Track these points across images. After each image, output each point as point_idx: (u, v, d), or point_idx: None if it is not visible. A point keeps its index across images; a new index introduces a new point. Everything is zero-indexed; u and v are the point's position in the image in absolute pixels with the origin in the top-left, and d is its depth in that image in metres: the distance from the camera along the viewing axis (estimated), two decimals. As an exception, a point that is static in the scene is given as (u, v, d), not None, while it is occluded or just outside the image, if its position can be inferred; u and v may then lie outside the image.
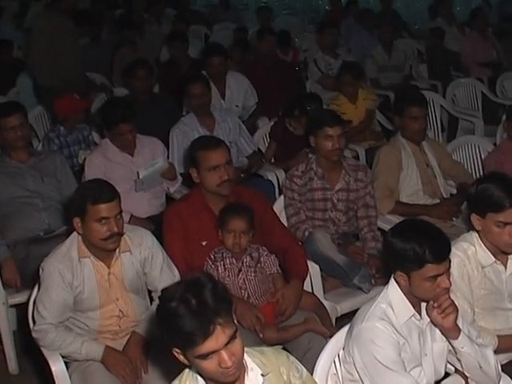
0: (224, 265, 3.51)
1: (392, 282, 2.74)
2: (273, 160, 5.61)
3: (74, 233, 3.19)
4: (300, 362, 2.49)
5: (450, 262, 2.65)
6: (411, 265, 2.61)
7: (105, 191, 3.06)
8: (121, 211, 3.12)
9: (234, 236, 3.51)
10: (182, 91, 5.66)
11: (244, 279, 3.50)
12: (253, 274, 3.51)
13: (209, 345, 2.05)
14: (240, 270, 3.50)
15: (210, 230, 3.60)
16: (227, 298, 2.14)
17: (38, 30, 6.35)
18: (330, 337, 2.98)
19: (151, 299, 3.45)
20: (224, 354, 2.08)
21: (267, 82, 6.54)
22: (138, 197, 4.58)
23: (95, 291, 3.19)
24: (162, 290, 2.15)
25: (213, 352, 2.06)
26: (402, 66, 7.90)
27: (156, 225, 4.33)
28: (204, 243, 3.60)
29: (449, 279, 2.66)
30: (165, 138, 5.19)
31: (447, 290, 2.68)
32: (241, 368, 2.19)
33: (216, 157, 3.57)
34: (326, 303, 3.77)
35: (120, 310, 3.25)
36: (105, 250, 3.14)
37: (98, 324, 3.24)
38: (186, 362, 2.16)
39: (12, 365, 4.24)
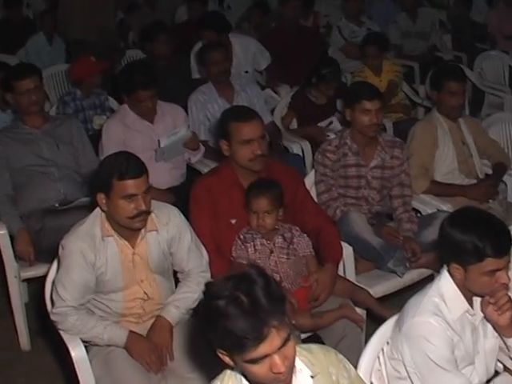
0: (254, 246, 3.28)
1: (445, 274, 2.52)
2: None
3: (97, 209, 2.95)
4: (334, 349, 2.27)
5: (510, 256, 2.43)
6: (469, 258, 2.40)
7: (132, 166, 2.81)
8: (149, 187, 2.87)
9: (257, 217, 3.28)
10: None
11: (276, 261, 3.27)
12: (285, 257, 3.28)
13: (262, 349, 1.82)
14: (272, 252, 3.27)
15: (240, 207, 3.36)
16: (281, 296, 1.90)
17: None
18: (381, 319, 2.79)
19: (176, 281, 3.23)
20: (277, 359, 1.84)
21: (290, 50, 6.26)
22: (158, 167, 4.34)
23: (119, 272, 2.96)
24: (207, 285, 1.91)
25: (265, 356, 1.84)
26: (427, 34, 7.59)
27: (176, 196, 4.13)
28: (233, 221, 3.37)
29: (507, 274, 2.45)
30: (185, 104, 4.95)
31: (505, 286, 2.47)
32: (292, 371, 1.97)
33: (249, 130, 3.31)
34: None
35: (144, 293, 3.02)
36: (131, 229, 2.91)
37: (121, 306, 3.02)
38: (231, 363, 1.94)
39: (24, 341, 4.06)
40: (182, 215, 3.10)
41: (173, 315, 3.03)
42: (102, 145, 4.34)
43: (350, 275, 3.64)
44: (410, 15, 7.60)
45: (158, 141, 4.28)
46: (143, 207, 2.82)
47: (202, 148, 4.58)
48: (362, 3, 6.94)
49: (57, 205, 4.01)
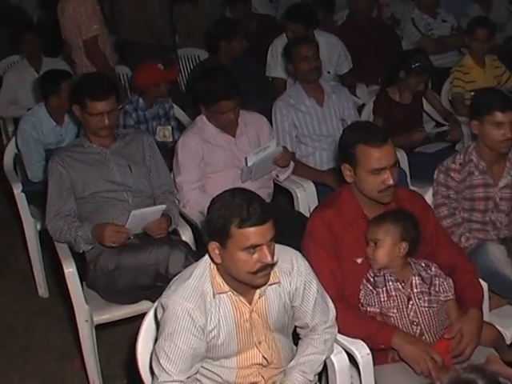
0: (387, 291, 2.70)
1: None
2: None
3: (205, 260, 2.39)
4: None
5: None
6: None
7: (256, 209, 2.21)
8: (274, 235, 2.30)
9: (369, 247, 2.77)
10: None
11: (416, 311, 2.68)
12: (426, 304, 2.69)
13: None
14: (409, 299, 2.69)
15: (363, 244, 2.79)
16: None
17: None
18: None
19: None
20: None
21: (364, 45, 5.67)
22: (245, 186, 3.77)
23: (233, 334, 2.38)
24: None
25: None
26: (503, 24, 6.94)
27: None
28: (359, 261, 2.79)
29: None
30: (257, 110, 4.37)
31: None
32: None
33: (382, 157, 2.70)
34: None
35: (263, 357, 2.45)
36: (251, 285, 2.35)
37: (235, 375, 2.44)
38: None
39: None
40: (306, 261, 2.52)
41: None
42: (179, 163, 3.78)
43: (484, 315, 3.06)
44: (483, 6, 6.96)
45: (245, 159, 3.71)
46: (268, 259, 2.25)
47: (292, 164, 3.99)
48: None
49: (132, 237, 3.45)
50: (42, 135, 4.48)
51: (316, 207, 2.98)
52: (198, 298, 2.32)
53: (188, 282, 2.34)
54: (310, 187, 3.99)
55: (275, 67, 5.40)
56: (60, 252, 3.45)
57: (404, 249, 2.75)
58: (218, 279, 2.35)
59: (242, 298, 2.38)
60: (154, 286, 3.21)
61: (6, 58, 6.75)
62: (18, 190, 4.31)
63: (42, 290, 4.49)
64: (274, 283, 2.40)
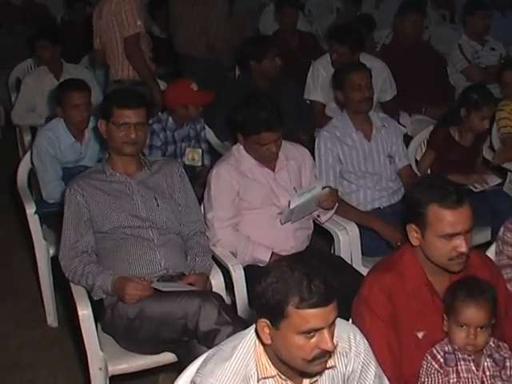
0: (457, 371, 2.34)
1: None
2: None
3: (250, 336, 2.02)
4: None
5: None
6: None
7: (319, 287, 1.83)
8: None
9: (467, 332, 2.35)
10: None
11: (489, 397, 2.32)
12: (499, 389, 2.34)
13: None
14: (483, 383, 2.33)
15: (429, 315, 2.44)
16: None
17: None
18: None
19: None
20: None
21: (408, 71, 5.26)
22: (281, 228, 3.43)
23: (278, 423, 2.02)
24: None
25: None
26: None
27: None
28: (420, 334, 2.42)
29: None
30: (293, 138, 4.05)
31: None
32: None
33: (457, 220, 2.32)
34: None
35: None
36: (310, 374, 1.98)
37: None
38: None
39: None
40: (364, 338, 2.15)
41: None
42: (211, 197, 3.41)
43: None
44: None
45: (289, 201, 3.35)
46: (328, 346, 1.87)
47: (336, 205, 3.62)
48: (489, 21, 5.86)
49: (156, 280, 3.08)
50: (60, 152, 4.09)
51: (373, 269, 2.59)
52: (239, 382, 1.95)
53: (229, 363, 1.97)
54: (354, 230, 3.61)
55: (315, 90, 5.03)
56: (74, 292, 3.10)
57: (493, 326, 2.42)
58: (264, 360, 1.99)
59: (289, 383, 2.02)
60: (180, 340, 2.85)
61: (26, 56, 6.49)
62: (30, 210, 3.94)
63: (51, 318, 4.12)
64: (329, 367, 2.03)
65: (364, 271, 3.48)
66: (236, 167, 3.43)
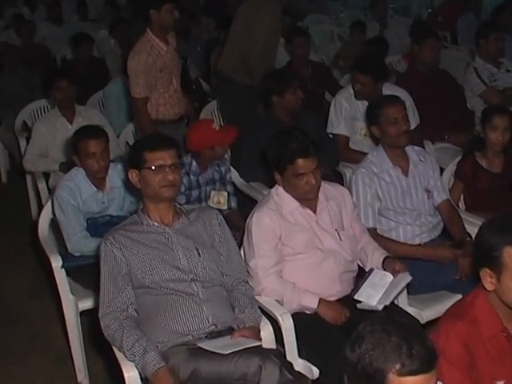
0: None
1: None
2: (461, 205, 4.25)
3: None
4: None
5: None
6: None
7: (419, 351, 1.71)
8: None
9: None
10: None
11: None
12: None
13: None
14: None
15: (508, 363, 2.31)
16: None
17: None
18: None
19: None
20: None
21: (428, 98, 5.15)
22: (325, 272, 3.29)
23: None
24: None
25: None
26: None
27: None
28: (500, 384, 2.29)
29: None
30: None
31: None
32: None
33: None
34: None
35: None
36: None
37: None
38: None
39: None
40: None
41: None
42: (253, 244, 3.25)
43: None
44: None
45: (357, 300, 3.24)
46: None
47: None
48: (503, 43, 5.75)
49: (204, 337, 2.92)
50: (82, 203, 3.91)
51: (446, 316, 2.45)
52: None
53: None
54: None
55: (338, 123, 4.89)
56: (118, 354, 2.93)
57: None
58: None
59: None
60: (239, 402, 2.69)
61: (30, 98, 6.36)
62: (56, 263, 3.76)
63: (82, 375, 3.92)
64: None
65: (411, 311, 3.42)
66: (277, 211, 3.28)
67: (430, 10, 11.24)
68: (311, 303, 3.21)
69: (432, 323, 3.30)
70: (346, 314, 3.18)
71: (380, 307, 3.13)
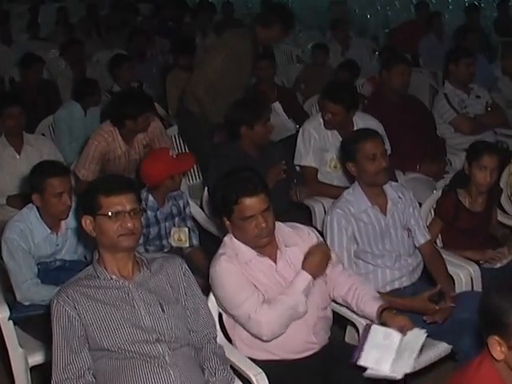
0: None
1: None
2: (439, 242, 4.00)
3: None
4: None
5: None
6: None
7: None
8: None
9: None
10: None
11: None
12: None
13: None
14: None
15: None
16: None
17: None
18: None
19: None
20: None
21: (397, 126, 4.92)
22: (299, 323, 2.98)
23: None
24: None
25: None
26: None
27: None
28: None
29: None
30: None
31: None
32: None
33: None
34: None
35: None
36: None
37: None
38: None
39: None
40: None
41: None
42: (230, 293, 2.93)
43: None
44: (514, 79, 6.34)
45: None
46: None
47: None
48: (474, 68, 5.49)
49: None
50: (34, 246, 3.57)
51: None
52: None
53: None
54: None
55: (307, 154, 4.59)
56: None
57: None
58: None
59: None
60: None
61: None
62: (3, 314, 3.41)
63: None
64: None
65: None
66: (236, 259, 2.97)
67: (386, 30, 11.16)
68: (303, 283, 2.96)
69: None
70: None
71: (398, 376, 2.78)
